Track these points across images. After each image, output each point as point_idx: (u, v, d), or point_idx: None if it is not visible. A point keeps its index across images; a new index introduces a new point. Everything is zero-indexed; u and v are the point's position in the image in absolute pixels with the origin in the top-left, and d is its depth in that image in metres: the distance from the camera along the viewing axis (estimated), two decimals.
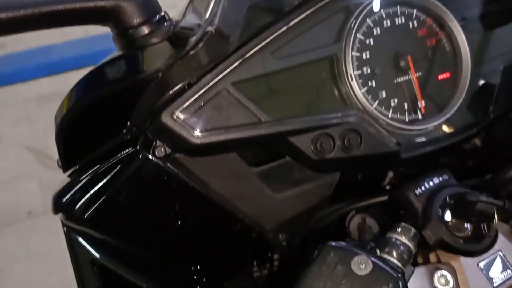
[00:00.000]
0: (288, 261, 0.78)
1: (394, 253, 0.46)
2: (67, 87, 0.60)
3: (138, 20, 0.48)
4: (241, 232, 0.65)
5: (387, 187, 0.73)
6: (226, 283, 0.73)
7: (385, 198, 0.66)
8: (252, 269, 0.78)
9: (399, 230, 0.49)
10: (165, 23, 0.49)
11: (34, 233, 2.46)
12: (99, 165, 0.60)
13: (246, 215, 0.62)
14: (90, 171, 0.60)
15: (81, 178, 0.60)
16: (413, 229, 0.49)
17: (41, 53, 3.39)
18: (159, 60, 0.44)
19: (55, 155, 0.64)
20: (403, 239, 0.48)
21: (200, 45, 0.35)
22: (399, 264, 0.45)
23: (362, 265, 0.40)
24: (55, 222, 0.63)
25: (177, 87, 0.50)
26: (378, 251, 0.47)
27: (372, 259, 0.41)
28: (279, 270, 0.80)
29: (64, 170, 0.65)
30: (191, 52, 0.36)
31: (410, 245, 0.48)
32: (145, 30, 0.48)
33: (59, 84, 3.36)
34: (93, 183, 0.59)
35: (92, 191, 0.59)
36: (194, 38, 0.35)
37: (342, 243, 0.43)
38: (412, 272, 0.49)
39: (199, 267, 0.66)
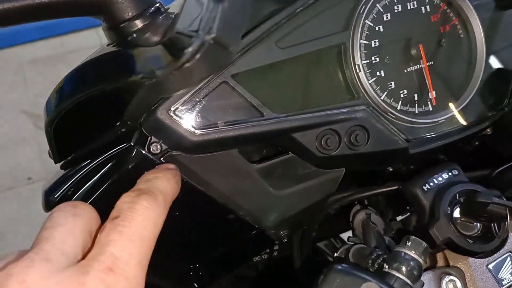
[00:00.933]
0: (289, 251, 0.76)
1: (403, 269, 0.44)
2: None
3: (130, 13, 0.44)
4: (241, 229, 0.62)
5: (394, 179, 0.70)
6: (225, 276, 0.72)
7: (391, 189, 0.63)
8: (253, 258, 0.77)
9: (409, 244, 0.46)
10: (160, 16, 0.45)
11: (35, 198, 2.45)
12: (91, 160, 0.57)
13: (247, 213, 0.60)
14: (82, 166, 0.57)
15: (73, 174, 0.57)
16: (423, 243, 0.46)
17: None
18: (154, 64, 0.41)
19: None
20: (413, 253, 0.45)
21: (197, 57, 0.32)
22: (408, 282, 0.43)
23: None
24: None
25: (172, 95, 0.47)
26: (386, 266, 0.44)
27: (381, 285, 0.39)
28: (279, 255, 0.79)
29: (56, 162, 0.62)
30: (187, 65, 0.32)
31: (420, 260, 0.45)
32: (139, 24, 0.45)
33: (55, 47, 3.30)
34: (85, 179, 0.56)
35: (84, 188, 0.56)
36: (190, 50, 0.32)
37: (348, 266, 0.41)
38: (422, 286, 0.46)
39: (197, 264, 0.64)
